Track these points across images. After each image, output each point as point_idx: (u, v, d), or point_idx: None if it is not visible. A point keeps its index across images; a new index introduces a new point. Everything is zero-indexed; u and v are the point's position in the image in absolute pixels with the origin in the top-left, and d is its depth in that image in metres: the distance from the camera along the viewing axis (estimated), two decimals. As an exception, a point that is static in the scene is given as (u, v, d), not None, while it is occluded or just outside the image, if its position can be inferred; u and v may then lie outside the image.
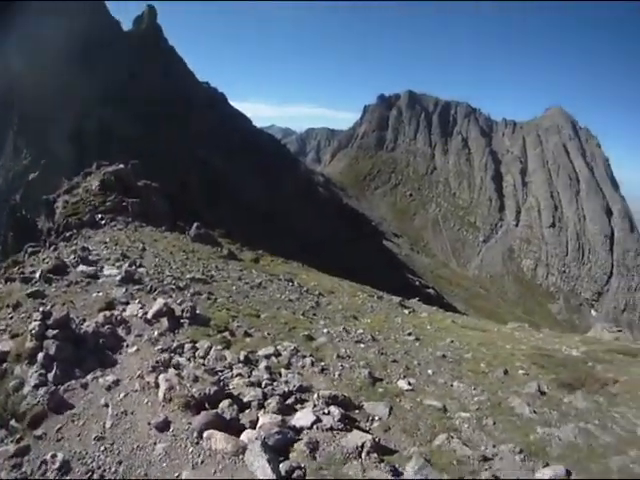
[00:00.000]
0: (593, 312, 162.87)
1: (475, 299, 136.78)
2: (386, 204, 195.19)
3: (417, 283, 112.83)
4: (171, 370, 7.31)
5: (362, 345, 12.66)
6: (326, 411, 6.82)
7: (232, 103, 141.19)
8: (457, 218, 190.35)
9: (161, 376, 6.98)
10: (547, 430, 8.42)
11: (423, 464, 5.81)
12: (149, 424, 6.13)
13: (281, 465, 5.14)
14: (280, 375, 8.45)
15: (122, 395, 6.86)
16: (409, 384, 9.57)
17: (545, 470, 6.67)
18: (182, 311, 10.39)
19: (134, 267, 14.93)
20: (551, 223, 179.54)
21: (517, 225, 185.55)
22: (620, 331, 48.98)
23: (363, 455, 5.71)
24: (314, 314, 16.43)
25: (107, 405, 6.66)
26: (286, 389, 7.64)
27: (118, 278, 12.92)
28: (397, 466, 5.81)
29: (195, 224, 29.60)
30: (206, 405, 6.47)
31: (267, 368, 8.52)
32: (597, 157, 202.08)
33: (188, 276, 16.22)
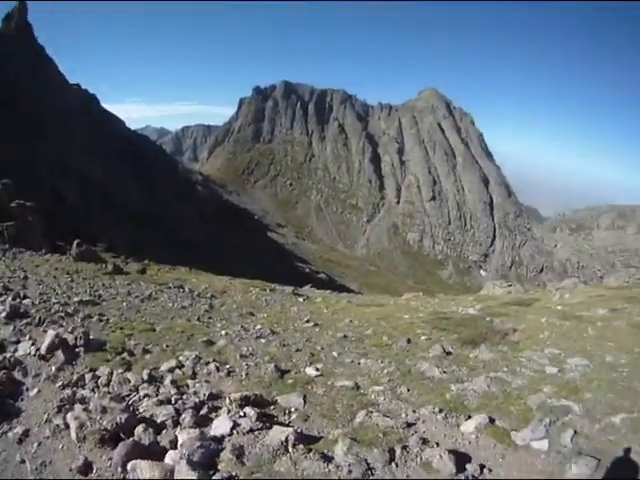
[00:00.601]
0: (482, 272, 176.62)
1: (367, 277, 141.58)
2: (267, 196, 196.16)
3: (307, 270, 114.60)
4: (77, 406, 6.79)
5: (263, 340, 12.68)
6: (242, 414, 6.71)
7: (105, 106, 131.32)
8: (339, 202, 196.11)
9: (69, 415, 6.46)
10: (460, 386, 8.77)
11: (350, 444, 5.88)
12: (70, 470, 5.64)
13: (213, 478, 5.01)
14: (188, 387, 8.17)
15: (35, 446, 6.23)
16: (317, 370, 9.62)
17: (468, 422, 6.96)
18: (75, 339, 9.69)
19: (18, 300, 13.71)
20: (431, 197, 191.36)
21: (398, 202, 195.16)
22: (510, 285, 53.33)
23: (290, 449, 5.69)
24: (210, 317, 16.23)
25: (24, 461, 6.06)
26: (197, 400, 7.39)
27: (3, 315, 11.83)
28: (326, 451, 5.85)
29: (75, 242, 28.17)
30: (121, 435, 6.09)
31: (173, 382, 8.19)
32: (471, 133, 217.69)
33: (75, 299, 15.29)
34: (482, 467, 5.86)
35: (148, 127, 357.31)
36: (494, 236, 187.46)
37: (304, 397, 7.87)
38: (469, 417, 7.20)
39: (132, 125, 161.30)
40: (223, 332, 13.35)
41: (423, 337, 13.95)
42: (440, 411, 7.36)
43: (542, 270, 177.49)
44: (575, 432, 6.66)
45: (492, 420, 7.10)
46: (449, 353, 11.82)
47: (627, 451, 6.24)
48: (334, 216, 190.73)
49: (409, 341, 13.31)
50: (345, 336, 13.98)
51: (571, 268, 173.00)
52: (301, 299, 24.57)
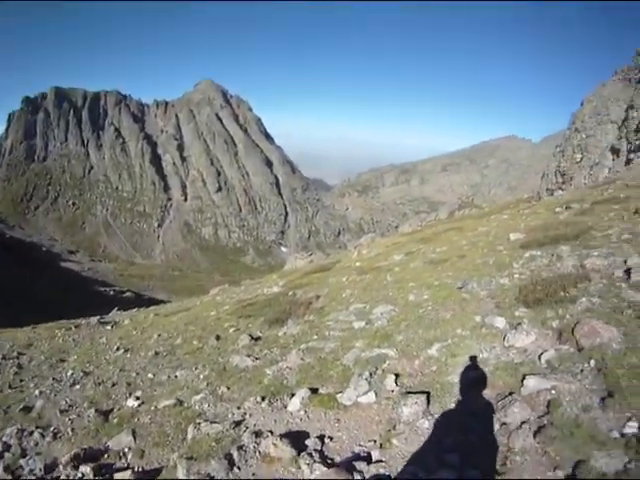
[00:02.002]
0: (283, 249, 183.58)
1: (173, 283, 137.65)
2: (52, 221, 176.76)
3: (112, 292, 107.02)
4: None
5: (78, 386, 11.96)
6: (79, 475, 6.42)
7: None
8: (126, 212, 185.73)
9: None
10: (276, 367, 9.11)
11: (188, 464, 5.93)
12: None
13: None
14: (22, 468, 7.36)
15: None
16: (137, 399, 9.49)
17: (293, 400, 7.29)
18: None
19: None
20: (217, 188, 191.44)
21: (186, 200, 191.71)
22: (311, 255, 56.21)
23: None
24: (21, 380, 14.45)
25: None
26: (34, 477, 6.84)
27: None
28: (170, 480, 5.81)
29: None
30: None
31: (6, 469, 7.33)
32: (250, 119, 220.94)
33: None
34: (322, 438, 6.22)
35: None
36: (286, 213, 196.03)
37: (133, 433, 7.74)
38: (292, 395, 7.52)
39: None
40: (37, 392, 12.17)
41: (231, 330, 14.23)
42: (263, 399, 7.64)
43: (339, 234, 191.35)
44: (397, 375, 7.30)
45: (315, 390, 7.50)
46: (258, 338, 12.12)
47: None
48: (125, 228, 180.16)
49: (218, 338, 13.49)
50: (157, 353, 13.81)
51: (366, 225, 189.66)
52: (109, 327, 23.30)
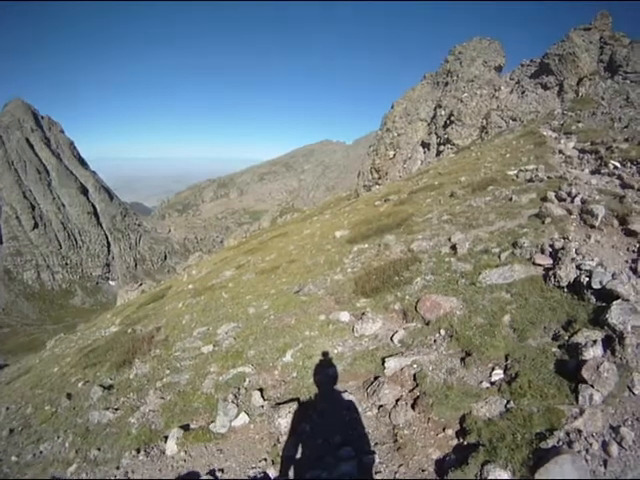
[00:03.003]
0: (111, 282, 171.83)
1: (4, 342, 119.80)
2: None
3: None
4: None
5: None
6: None
7: None
8: None
9: None
10: (138, 413, 8.49)
11: None
12: None
13: None
14: None
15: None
16: None
17: (170, 444, 6.93)
18: None
19: None
20: (34, 225, 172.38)
21: (1, 242, 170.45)
22: (141, 284, 53.48)
23: None
24: None
25: None
26: None
27: None
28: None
29: None
30: None
31: None
32: (62, 143, 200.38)
33: None
34: (212, 473, 5.99)
35: None
36: (108, 243, 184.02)
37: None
38: (166, 438, 7.13)
39: None
40: None
41: (80, 384, 12.76)
42: (138, 451, 7.15)
43: (166, 257, 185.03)
44: (261, 390, 7.29)
45: (186, 427, 7.20)
46: (110, 387, 11.04)
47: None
48: None
49: (69, 396, 12.10)
50: (11, 430, 12.07)
51: (191, 245, 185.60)
52: None
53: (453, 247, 10.33)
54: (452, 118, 43.17)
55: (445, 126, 44.11)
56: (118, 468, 7.09)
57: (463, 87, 45.59)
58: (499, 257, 8.95)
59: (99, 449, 8.11)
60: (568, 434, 4.31)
